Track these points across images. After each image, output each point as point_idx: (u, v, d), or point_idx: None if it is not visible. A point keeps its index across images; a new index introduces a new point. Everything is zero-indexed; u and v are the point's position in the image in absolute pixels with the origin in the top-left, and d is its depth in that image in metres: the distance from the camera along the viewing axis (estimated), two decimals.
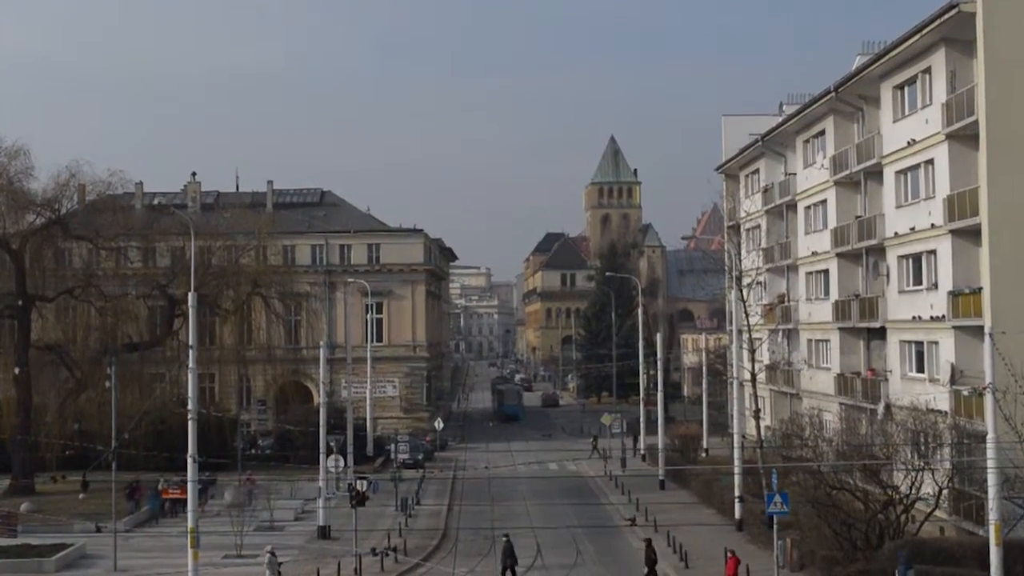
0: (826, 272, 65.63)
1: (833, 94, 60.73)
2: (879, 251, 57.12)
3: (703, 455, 78.93)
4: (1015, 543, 37.91)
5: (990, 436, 35.03)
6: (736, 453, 57.51)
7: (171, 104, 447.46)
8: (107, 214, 74.40)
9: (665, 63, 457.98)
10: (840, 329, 62.18)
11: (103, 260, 77.30)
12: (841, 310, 61.43)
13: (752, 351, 62.22)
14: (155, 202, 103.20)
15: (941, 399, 47.08)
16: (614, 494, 71.01)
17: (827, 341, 65.61)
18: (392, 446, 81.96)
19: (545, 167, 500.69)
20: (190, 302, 43.42)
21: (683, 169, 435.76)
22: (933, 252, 50.52)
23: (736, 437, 59.05)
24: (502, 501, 68.16)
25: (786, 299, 73.53)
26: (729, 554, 44.14)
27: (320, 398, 63.42)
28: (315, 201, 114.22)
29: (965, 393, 45.36)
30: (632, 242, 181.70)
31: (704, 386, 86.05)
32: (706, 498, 64.97)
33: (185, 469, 42.76)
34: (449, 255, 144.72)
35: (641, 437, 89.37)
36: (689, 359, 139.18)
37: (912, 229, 52.33)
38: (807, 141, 68.95)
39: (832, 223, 63.42)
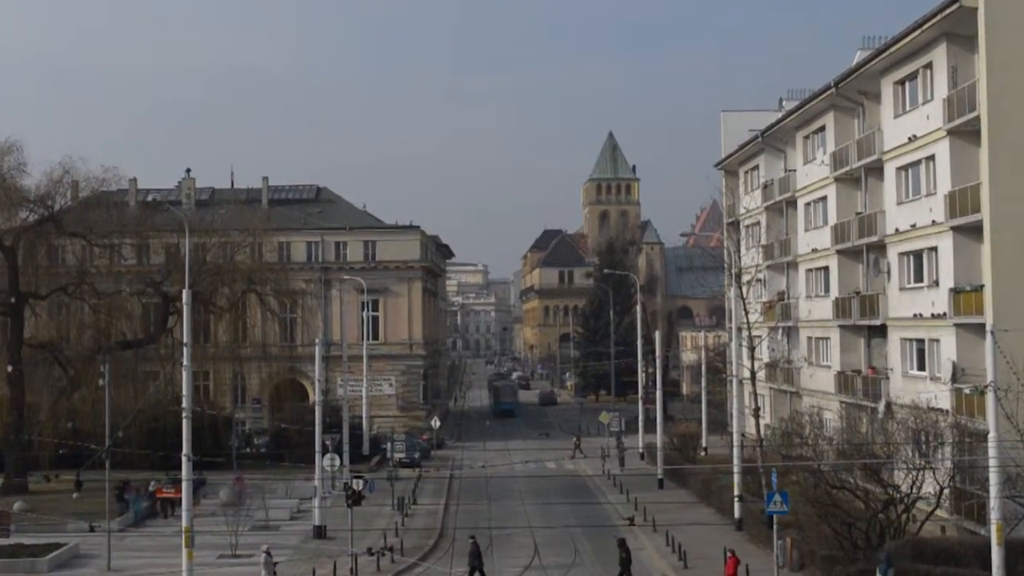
0: (826, 269, 65.62)
1: (833, 90, 60.71)
2: (880, 248, 57.10)
3: (702, 454, 78.91)
4: (1017, 543, 37.88)
5: (992, 435, 35.02)
6: (735, 452, 57.47)
7: (165, 100, 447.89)
8: (101, 211, 74.35)
9: (664, 58, 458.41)
10: (840, 327, 62.18)
11: (97, 257, 77.19)
12: (841, 307, 61.42)
13: (752, 349, 62.24)
14: (149, 199, 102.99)
15: (942, 397, 47.08)
16: (612, 493, 71.02)
17: (827, 339, 65.60)
18: (388, 445, 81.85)
19: (543, 163, 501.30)
20: (184, 299, 43.34)
21: (682, 165, 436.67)
22: (934, 249, 50.51)
23: (735, 436, 59.02)
24: (499, 500, 68.16)
25: (786, 296, 73.52)
26: (729, 554, 44.11)
27: (316, 396, 63.39)
28: (311, 198, 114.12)
29: (967, 391, 45.36)
30: (631, 239, 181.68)
31: (703, 384, 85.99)
32: (705, 497, 64.97)
33: (179, 468, 42.66)
34: (446, 252, 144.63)
35: (640, 436, 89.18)
36: (688, 357, 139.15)
37: (913, 226, 52.32)
38: (807, 137, 68.92)
39: (832, 220, 63.41)
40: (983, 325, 40.26)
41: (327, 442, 62.12)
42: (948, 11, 46.26)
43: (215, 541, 51.30)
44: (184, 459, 41.51)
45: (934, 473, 42.52)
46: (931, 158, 50.62)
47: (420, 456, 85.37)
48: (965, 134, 47.45)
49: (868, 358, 60.04)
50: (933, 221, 49.99)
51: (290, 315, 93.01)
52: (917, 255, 52.70)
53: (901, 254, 54.35)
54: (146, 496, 63.30)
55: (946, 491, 42.98)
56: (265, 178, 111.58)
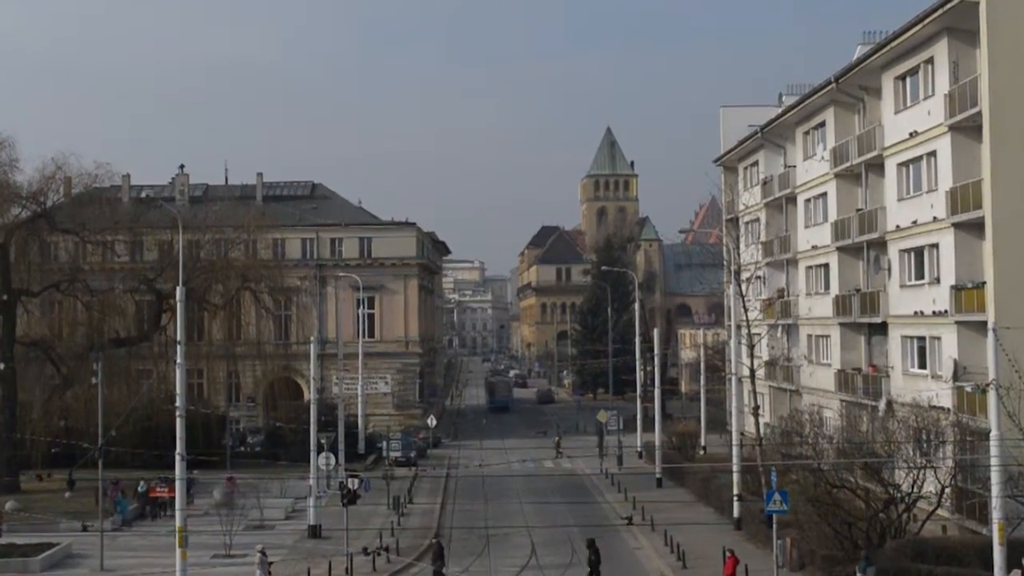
0: (826, 266, 65.60)
1: (833, 85, 60.67)
2: (880, 245, 57.09)
3: (701, 453, 78.92)
4: (1019, 542, 37.79)
5: (993, 433, 34.96)
6: (734, 451, 57.45)
7: (159, 96, 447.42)
8: (94, 207, 74.26)
9: (663, 53, 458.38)
10: (841, 324, 62.16)
11: (89, 254, 77.11)
12: (842, 305, 61.42)
13: (751, 347, 62.25)
14: (143, 195, 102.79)
15: (943, 396, 47.05)
16: (610, 492, 71.01)
17: (827, 337, 65.59)
18: (384, 443, 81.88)
19: (540, 159, 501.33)
20: (178, 297, 43.28)
21: (681, 161, 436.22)
22: (935, 246, 50.48)
23: (734, 434, 59.00)
24: (496, 499, 68.11)
25: (785, 294, 73.50)
26: (728, 553, 44.11)
27: (311, 395, 63.30)
28: (305, 194, 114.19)
29: (968, 389, 45.32)
30: (629, 236, 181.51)
31: (702, 382, 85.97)
32: (704, 496, 64.97)
33: (173, 467, 42.63)
34: (442, 249, 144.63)
35: (638, 435, 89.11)
36: (687, 355, 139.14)
37: (914, 222, 52.29)
38: (807, 133, 68.89)
39: (832, 216, 63.38)
40: (985, 322, 40.22)
41: (322, 441, 61.97)
42: (949, 6, 46.21)
43: (209, 541, 51.27)
44: (178, 458, 41.49)
45: (935, 472, 42.49)
46: (932, 154, 50.59)
47: (416, 455, 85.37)
48: (966, 130, 47.42)
49: (869, 356, 60.03)
50: (934, 218, 49.96)
51: (285, 312, 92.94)
52: (918, 252, 52.68)
53: (902, 251, 54.33)
54: (136, 497, 62.83)
55: (947, 490, 42.94)
56: (259, 174, 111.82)
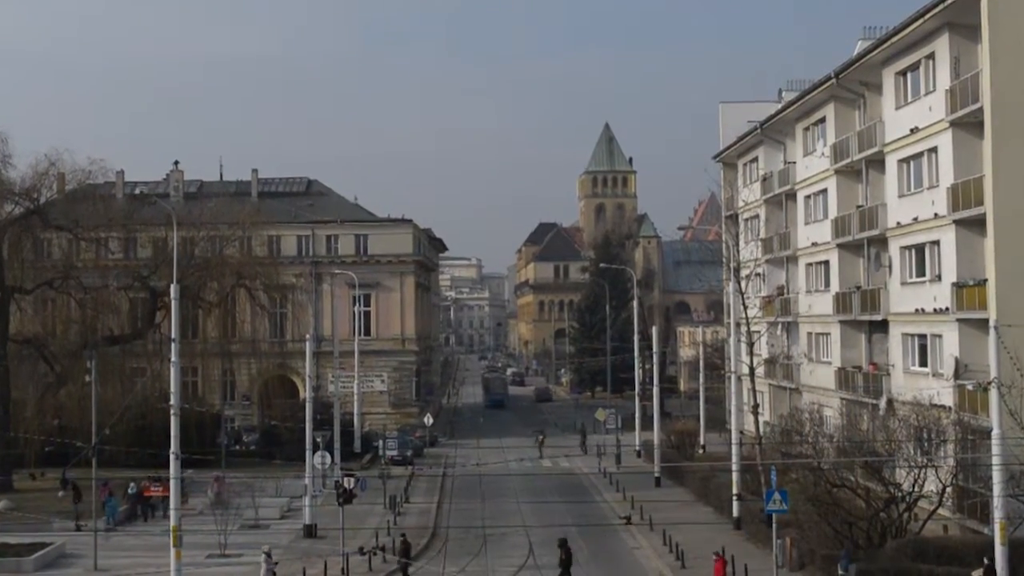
0: (826, 263, 65.61)
1: (834, 80, 60.66)
2: (881, 242, 57.09)
3: (700, 451, 78.91)
4: (1021, 542, 37.87)
5: (995, 432, 35.04)
6: (734, 449, 57.43)
7: (154, 91, 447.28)
8: (87, 204, 74.22)
9: (662, 49, 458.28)
10: (841, 322, 62.18)
11: (83, 251, 77.07)
12: (842, 302, 61.42)
13: (750, 345, 62.20)
14: (137, 191, 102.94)
15: (945, 394, 47.06)
16: (608, 491, 70.99)
17: (827, 334, 65.60)
18: (380, 442, 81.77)
19: (538, 156, 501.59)
20: (172, 294, 43.27)
21: (680, 158, 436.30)
22: (936, 243, 50.48)
23: (734, 433, 58.97)
24: (493, 499, 68.07)
25: (785, 291, 73.51)
26: (715, 556, 44.22)
27: (306, 393, 63.23)
28: (301, 190, 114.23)
29: (969, 388, 45.31)
30: (627, 233, 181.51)
31: (701, 381, 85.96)
32: (703, 496, 64.96)
33: (167, 466, 42.59)
34: (439, 246, 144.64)
35: (637, 434, 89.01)
36: (686, 353, 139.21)
37: (915, 219, 52.30)
38: (807, 129, 68.90)
39: (833, 213, 63.38)
40: (986, 320, 40.24)
41: (318, 439, 62.00)
42: (950, 1, 46.20)
43: (204, 540, 51.20)
44: (172, 457, 41.45)
45: (936, 471, 42.51)
46: (933, 150, 50.60)
47: (412, 454, 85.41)
48: (968, 126, 47.42)
49: (869, 354, 60.04)
50: (935, 214, 49.97)
51: (280, 310, 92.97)
52: (919, 249, 52.68)
53: (903, 248, 54.33)
54: (126, 498, 62.16)
55: (948, 489, 42.97)
56: (255, 171, 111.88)
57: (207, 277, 78.27)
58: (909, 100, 53.31)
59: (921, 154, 51.97)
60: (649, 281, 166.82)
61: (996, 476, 35.31)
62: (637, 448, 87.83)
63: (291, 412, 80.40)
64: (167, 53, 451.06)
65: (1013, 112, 44.71)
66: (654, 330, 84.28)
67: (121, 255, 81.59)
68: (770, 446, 58.46)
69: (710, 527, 55.87)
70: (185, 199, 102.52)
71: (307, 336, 66.28)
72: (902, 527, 43.28)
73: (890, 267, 55.81)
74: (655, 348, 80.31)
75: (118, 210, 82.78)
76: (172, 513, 41.56)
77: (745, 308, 63.06)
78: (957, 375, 46.96)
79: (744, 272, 66.01)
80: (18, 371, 72.84)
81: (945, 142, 49.19)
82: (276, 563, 45.71)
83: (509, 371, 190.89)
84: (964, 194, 46.94)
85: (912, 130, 52.20)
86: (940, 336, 49.99)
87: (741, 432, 60.27)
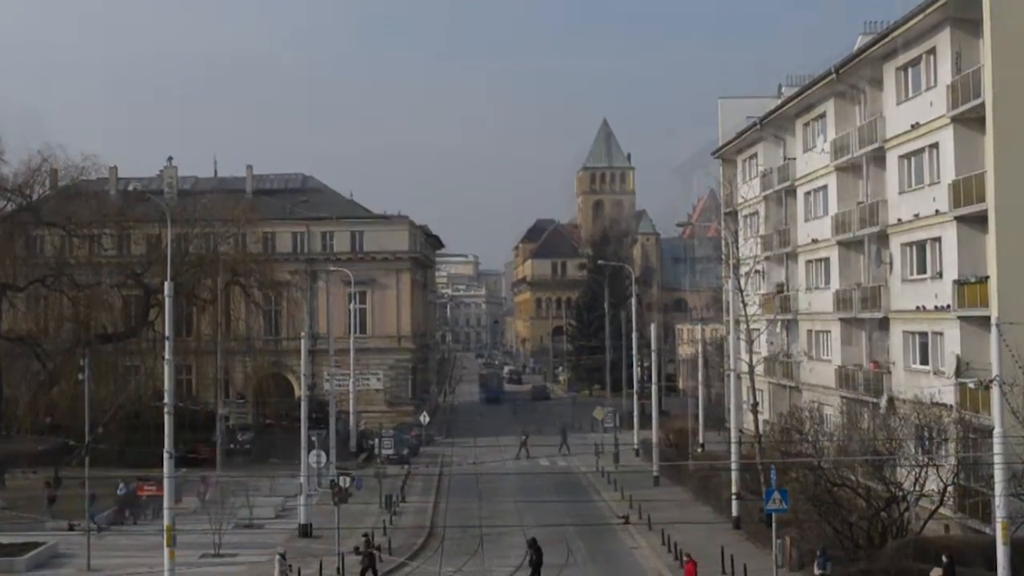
0: (827, 260, 65.56)
1: (834, 76, 60.58)
2: (882, 238, 57.03)
3: (699, 450, 78.78)
4: (1022, 541, 37.86)
5: (997, 430, 34.97)
6: (733, 448, 57.50)
7: (147, 87, 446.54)
8: (80, 200, 74.30)
9: (660, 43, 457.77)
10: (841, 320, 62.13)
11: (76, 248, 77.09)
12: (842, 300, 61.38)
13: (750, 342, 62.17)
14: (130, 188, 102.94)
15: (946, 392, 46.98)
16: (606, 491, 71.00)
17: (828, 332, 65.56)
18: (376, 441, 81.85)
19: (536, 151, 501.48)
20: (166, 292, 43.25)
21: (678, 154, 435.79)
22: (938, 239, 50.45)
23: (733, 432, 59.08)
24: (490, 498, 68.08)
25: (785, 288, 73.43)
26: (686, 558, 44.27)
27: (301, 391, 63.24)
28: (296, 187, 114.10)
29: (971, 386, 45.24)
30: (625, 229, 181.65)
31: (700, 379, 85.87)
32: (702, 495, 64.98)
33: (161, 465, 42.57)
34: (435, 243, 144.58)
35: (635, 432, 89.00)
36: (684, 351, 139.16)
37: (916, 216, 52.26)
38: (807, 124, 68.84)
39: (833, 209, 63.33)
40: (988, 318, 40.22)
41: (313, 438, 62.02)
42: None
43: (198, 540, 51.18)
44: (166, 456, 41.44)
45: (937, 470, 42.50)
46: (935, 146, 50.56)
47: (409, 452, 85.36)
48: (970, 121, 47.35)
49: (870, 352, 59.97)
50: (937, 211, 49.92)
51: (275, 308, 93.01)
52: (920, 246, 52.64)
53: (904, 245, 54.29)
54: (114, 500, 61.18)
55: (950, 489, 42.93)
56: (249, 167, 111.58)
57: (201, 274, 78.28)
58: (910, 95, 53.25)
59: (922, 150, 51.93)
60: (647, 278, 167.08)
61: (998, 475, 35.26)
62: (635, 447, 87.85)
63: (286, 411, 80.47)
64: (161, 49, 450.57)
65: (1015, 108, 44.63)
66: (652, 328, 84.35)
67: (114, 252, 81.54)
68: (770, 445, 58.42)
69: (709, 527, 55.92)
70: (179, 196, 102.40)
71: (302, 334, 66.27)
72: (903, 527, 43.25)
73: (891, 264, 55.76)
74: (653, 346, 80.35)
75: (111, 207, 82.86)
76: (166, 512, 41.52)
77: (744, 305, 63.04)
78: (958, 373, 46.90)
79: (743, 269, 65.96)
80: (10, 369, 72.85)
81: (946, 138, 49.14)
82: (290, 565, 45.71)
83: (506, 369, 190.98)
84: (966, 190, 46.89)
85: (913, 126, 52.15)
86: (941, 334, 49.96)
87: (740, 431, 60.38)
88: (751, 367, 61.36)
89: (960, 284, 47.35)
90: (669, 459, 73.54)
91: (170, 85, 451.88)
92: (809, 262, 69.21)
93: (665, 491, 69.54)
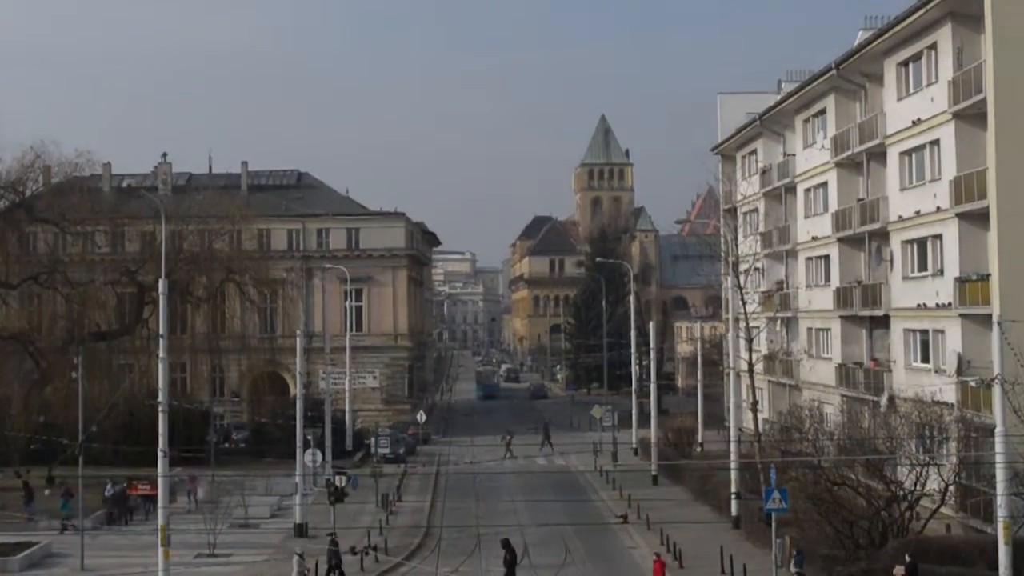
0: (827, 258, 65.56)
1: (834, 71, 60.58)
2: (882, 236, 57.03)
3: (698, 449, 78.82)
4: None
5: (998, 429, 34.99)
6: (732, 447, 57.49)
7: (142, 82, 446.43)
8: (74, 197, 74.10)
9: (659, 38, 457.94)
10: (841, 317, 62.13)
11: (70, 245, 76.92)
12: (842, 297, 61.39)
13: (749, 340, 62.13)
14: (124, 184, 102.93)
15: (947, 391, 47.00)
16: (605, 490, 70.96)
17: (828, 330, 65.57)
18: (372, 440, 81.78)
19: (533, 148, 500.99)
20: (161, 289, 43.25)
21: (677, 150, 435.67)
22: (939, 237, 50.44)
23: (732, 430, 59.07)
24: (487, 497, 68.07)
25: (785, 286, 73.45)
26: (654, 557, 44.33)
27: (297, 390, 63.22)
28: (291, 183, 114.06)
29: (972, 384, 45.27)
30: (624, 226, 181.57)
31: (699, 377, 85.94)
32: (701, 494, 64.96)
33: (155, 464, 42.55)
34: (432, 240, 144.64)
35: (633, 431, 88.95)
36: (683, 349, 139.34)
37: (917, 213, 52.25)
38: (807, 120, 68.83)
39: (833, 206, 63.33)
40: (989, 315, 40.26)
41: (309, 437, 61.97)
42: None
43: (193, 540, 51.18)
44: (160, 454, 41.42)
45: (939, 469, 42.53)
46: (936, 142, 50.54)
47: (405, 451, 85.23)
48: (971, 117, 47.36)
49: (870, 350, 60.00)
50: (938, 208, 49.91)
51: (270, 305, 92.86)
52: (921, 243, 52.64)
53: (904, 242, 54.29)
54: (103, 501, 60.32)
55: (951, 488, 42.97)
56: (244, 163, 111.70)
57: (196, 272, 78.17)
58: (911, 91, 53.25)
59: (923, 146, 51.92)
60: (646, 276, 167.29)
61: (999, 474, 35.27)
62: (634, 446, 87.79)
63: (281, 409, 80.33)
64: (157, 44, 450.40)
65: (1017, 104, 44.63)
66: (651, 326, 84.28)
67: (108, 249, 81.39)
68: (769, 444, 58.53)
69: (708, 526, 55.95)
70: (174, 192, 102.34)
71: (298, 332, 66.23)
72: (904, 526, 43.26)
73: (891, 261, 55.76)
74: (652, 344, 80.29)
75: (105, 203, 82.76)
76: (160, 511, 41.51)
77: (744, 303, 63.02)
78: (960, 371, 46.92)
79: (743, 267, 65.94)
80: (3, 367, 72.68)
81: (947, 134, 49.14)
82: (308, 569, 45.67)
83: (503, 367, 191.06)
84: (967, 187, 46.88)
85: (914, 122, 52.14)
86: (942, 332, 49.96)
87: (740, 429, 60.37)
88: (751, 365, 61.32)
89: (961, 281, 47.34)
90: (668, 458, 73.52)
91: (165, 81, 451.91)
92: (809, 259, 69.21)
93: (664, 490, 69.51)
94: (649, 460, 76.13)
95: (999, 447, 34.97)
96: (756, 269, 73.13)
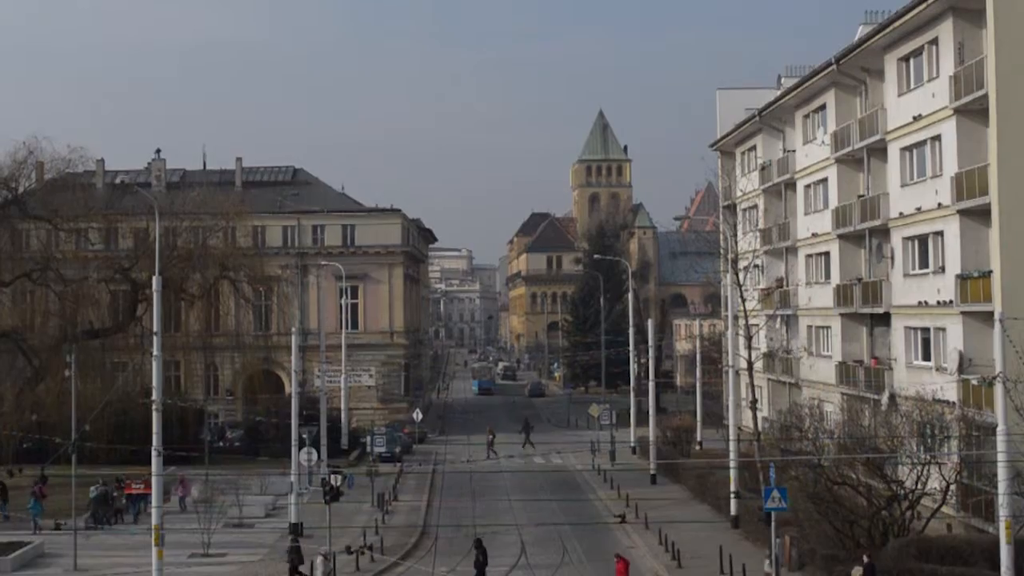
0: (827, 255, 65.55)
1: (834, 66, 60.55)
2: (883, 232, 57.03)
3: (697, 448, 78.89)
4: None
5: (1000, 428, 34.96)
6: (732, 446, 57.47)
7: (136, 78, 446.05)
8: (67, 193, 73.95)
9: (658, 33, 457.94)
10: (842, 315, 62.12)
11: (62, 242, 76.80)
12: (843, 295, 61.38)
13: (749, 338, 62.13)
14: (118, 180, 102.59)
15: (948, 389, 47.02)
16: (603, 489, 70.97)
17: (828, 328, 65.57)
18: (368, 438, 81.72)
19: (531, 144, 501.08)
20: (154, 286, 43.11)
21: (676, 146, 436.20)
22: (940, 233, 50.43)
23: (732, 429, 59.05)
24: (484, 497, 68.06)
25: (784, 283, 73.41)
26: (616, 558, 44.33)
27: (292, 388, 63.20)
28: (286, 179, 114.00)
29: (974, 382, 45.29)
30: (622, 223, 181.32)
31: (698, 375, 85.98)
32: (700, 494, 64.98)
33: (148, 463, 42.47)
34: (428, 236, 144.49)
35: (632, 429, 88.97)
36: (682, 346, 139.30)
37: (918, 209, 52.24)
38: (807, 116, 68.81)
39: (833, 203, 63.32)
40: (991, 313, 40.19)
41: (304, 436, 61.96)
42: None
43: (187, 540, 51.11)
44: (154, 453, 41.33)
45: (940, 468, 42.49)
46: (937, 138, 50.53)
47: (401, 450, 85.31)
48: (973, 113, 47.36)
49: (871, 348, 60.02)
50: (939, 204, 49.90)
51: (265, 303, 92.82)
52: (922, 240, 52.63)
53: (905, 239, 54.27)
54: (88, 504, 59.14)
55: (952, 487, 42.94)
56: (239, 159, 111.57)
57: (190, 269, 78.01)
58: (912, 87, 53.22)
59: (924, 142, 51.90)
60: (644, 273, 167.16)
61: (1001, 473, 35.25)
62: (632, 444, 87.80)
63: (276, 407, 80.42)
64: (151, 39, 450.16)
65: (1018, 99, 44.62)
66: (649, 323, 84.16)
67: (102, 246, 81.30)
68: (769, 442, 58.48)
69: (707, 526, 55.93)
70: (167, 188, 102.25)
71: (293, 329, 66.21)
72: (905, 526, 43.23)
73: (892, 258, 55.74)
74: (650, 342, 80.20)
75: (99, 200, 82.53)
76: (155, 511, 41.43)
77: (743, 301, 62.98)
78: (961, 369, 46.92)
79: (742, 264, 65.94)
80: None
81: (949, 130, 49.11)
82: (332, 569, 45.62)
83: (500, 365, 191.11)
84: (968, 183, 46.86)
85: (915, 117, 52.12)
86: (944, 329, 49.95)
87: (739, 428, 60.37)
88: (750, 363, 61.32)
89: (963, 279, 47.32)
90: (666, 457, 73.55)
91: (159, 77, 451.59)
92: (809, 256, 69.19)
93: (662, 489, 69.51)
94: (647, 459, 76.11)
95: (1001, 446, 34.94)
96: (756, 266, 73.16)
